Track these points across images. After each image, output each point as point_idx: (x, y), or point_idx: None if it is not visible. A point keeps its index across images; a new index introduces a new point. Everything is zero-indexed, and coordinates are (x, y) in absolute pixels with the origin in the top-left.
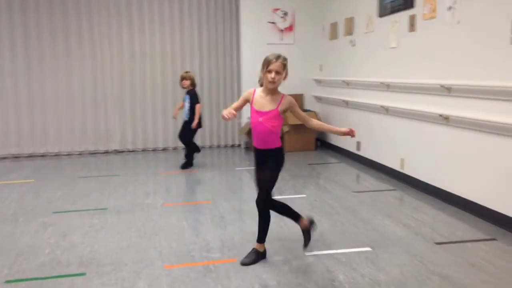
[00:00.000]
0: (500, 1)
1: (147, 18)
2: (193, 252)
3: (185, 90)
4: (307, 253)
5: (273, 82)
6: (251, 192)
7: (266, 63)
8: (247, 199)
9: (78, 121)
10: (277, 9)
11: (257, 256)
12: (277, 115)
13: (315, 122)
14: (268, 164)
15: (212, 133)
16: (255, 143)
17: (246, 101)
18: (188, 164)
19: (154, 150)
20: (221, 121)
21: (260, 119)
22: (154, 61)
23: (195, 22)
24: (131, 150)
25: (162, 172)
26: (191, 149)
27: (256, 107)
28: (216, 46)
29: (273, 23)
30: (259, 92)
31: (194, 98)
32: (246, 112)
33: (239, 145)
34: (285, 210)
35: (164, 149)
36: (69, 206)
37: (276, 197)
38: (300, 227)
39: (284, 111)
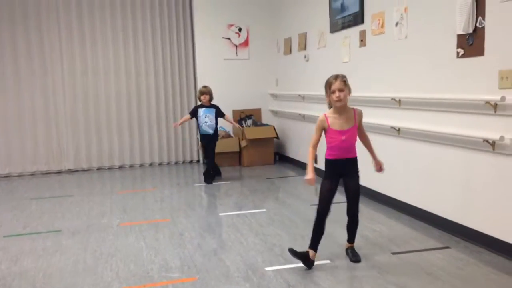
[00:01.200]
0: (445, 16)
1: (99, 34)
2: (152, 272)
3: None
4: (267, 268)
5: (339, 100)
6: (211, 208)
7: (328, 85)
8: (206, 215)
9: (28, 140)
10: (231, 25)
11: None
12: (356, 130)
13: (368, 140)
14: (354, 173)
15: (170, 149)
16: (335, 156)
17: (322, 128)
18: (217, 172)
19: (109, 168)
20: (178, 136)
21: (343, 137)
22: (107, 78)
23: (149, 37)
24: (85, 169)
25: (118, 191)
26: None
27: (336, 127)
28: (171, 62)
29: (228, 38)
30: (330, 114)
31: (219, 112)
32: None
33: (197, 161)
34: None
35: (120, 167)
36: (20, 229)
37: (235, 212)
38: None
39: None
